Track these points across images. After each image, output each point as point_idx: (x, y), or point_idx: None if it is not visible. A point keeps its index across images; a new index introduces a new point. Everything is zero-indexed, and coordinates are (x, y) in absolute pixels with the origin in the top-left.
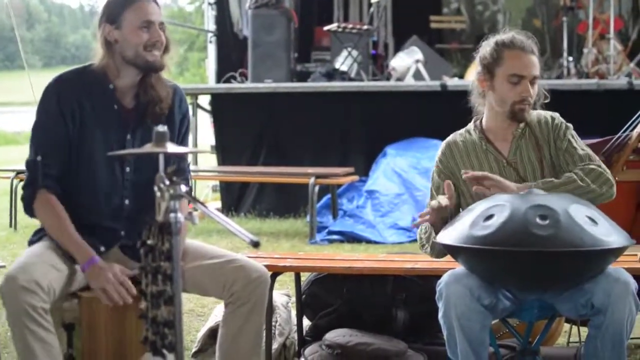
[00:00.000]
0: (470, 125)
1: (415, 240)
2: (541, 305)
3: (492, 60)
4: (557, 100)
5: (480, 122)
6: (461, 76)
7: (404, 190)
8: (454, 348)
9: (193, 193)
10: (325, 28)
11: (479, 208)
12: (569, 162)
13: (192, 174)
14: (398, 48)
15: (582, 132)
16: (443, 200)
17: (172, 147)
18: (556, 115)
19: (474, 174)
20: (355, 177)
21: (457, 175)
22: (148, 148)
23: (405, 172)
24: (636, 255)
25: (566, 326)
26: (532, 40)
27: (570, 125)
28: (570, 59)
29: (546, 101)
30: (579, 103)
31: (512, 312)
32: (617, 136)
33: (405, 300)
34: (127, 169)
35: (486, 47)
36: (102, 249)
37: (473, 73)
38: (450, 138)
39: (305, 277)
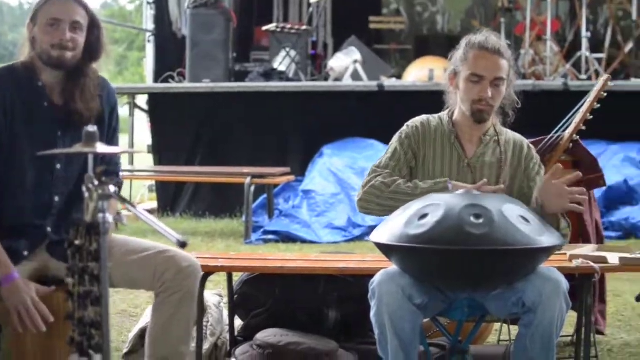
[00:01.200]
0: (444, 115)
1: (350, 240)
2: (471, 304)
3: (460, 59)
4: None
5: (452, 115)
6: (399, 77)
7: (339, 190)
8: (384, 346)
9: (127, 192)
10: (264, 28)
11: (413, 207)
12: (527, 188)
13: (128, 174)
14: (337, 48)
15: (519, 132)
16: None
17: (101, 147)
18: (524, 140)
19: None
20: (292, 177)
21: (418, 155)
22: (78, 148)
23: (341, 172)
24: (566, 254)
25: (497, 325)
26: (504, 43)
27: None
28: None
29: (518, 107)
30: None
31: (442, 311)
32: (549, 136)
33: (337, 299)
34: (58, 166)
35: (460, 46)
36: (26, 253)
37: (411, 74)
38: (423, 117)
39: (238, 277)
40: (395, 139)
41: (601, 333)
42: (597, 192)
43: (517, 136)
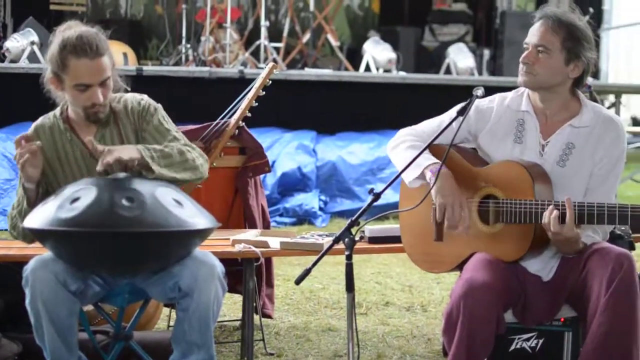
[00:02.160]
0: (57, 111)
1: None
2: (132, 290)
3: (59, 66)
4: (169, 87)
5: (67, 109)
6: None
7: (14, 176)
8: (41, 335)
9: None
10: None
11: (66, 191)
12: (159, 141)
13: None
14: (16, 29)
15: (194, 119)
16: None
17: None
18: (144, 96)
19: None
20: None
21: (48, 164)
22: None
23: None
24: (229, 239)
25: (166, 310)
26: (95, 32)
27: (160, 106)
28: (189, 46)
29: (128, 90)
30: (194, 90)
31: (103, 297)
32: (215, 122)
33: (0, 288)
34: None
35: (54, 47)
36: None
37: None
38: (39, 121)
39: None
40: None
41: (269, 316)
42: (271, 178)
43: (128, 98)
